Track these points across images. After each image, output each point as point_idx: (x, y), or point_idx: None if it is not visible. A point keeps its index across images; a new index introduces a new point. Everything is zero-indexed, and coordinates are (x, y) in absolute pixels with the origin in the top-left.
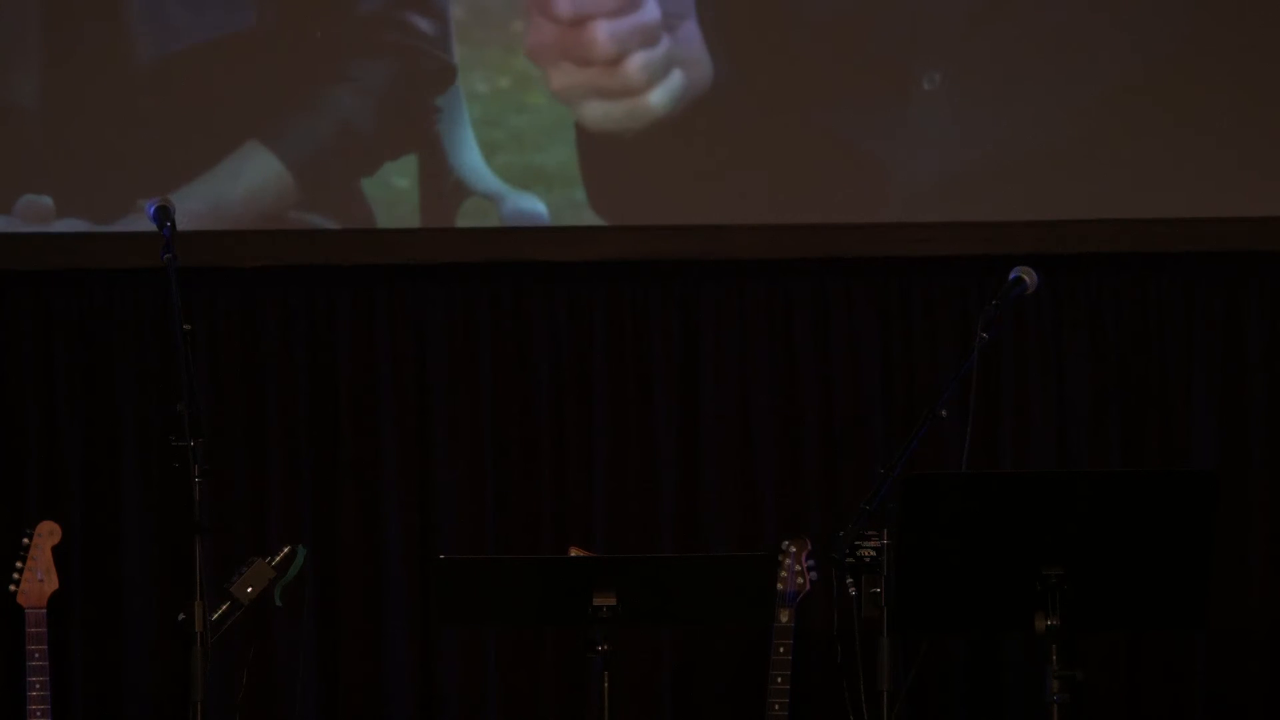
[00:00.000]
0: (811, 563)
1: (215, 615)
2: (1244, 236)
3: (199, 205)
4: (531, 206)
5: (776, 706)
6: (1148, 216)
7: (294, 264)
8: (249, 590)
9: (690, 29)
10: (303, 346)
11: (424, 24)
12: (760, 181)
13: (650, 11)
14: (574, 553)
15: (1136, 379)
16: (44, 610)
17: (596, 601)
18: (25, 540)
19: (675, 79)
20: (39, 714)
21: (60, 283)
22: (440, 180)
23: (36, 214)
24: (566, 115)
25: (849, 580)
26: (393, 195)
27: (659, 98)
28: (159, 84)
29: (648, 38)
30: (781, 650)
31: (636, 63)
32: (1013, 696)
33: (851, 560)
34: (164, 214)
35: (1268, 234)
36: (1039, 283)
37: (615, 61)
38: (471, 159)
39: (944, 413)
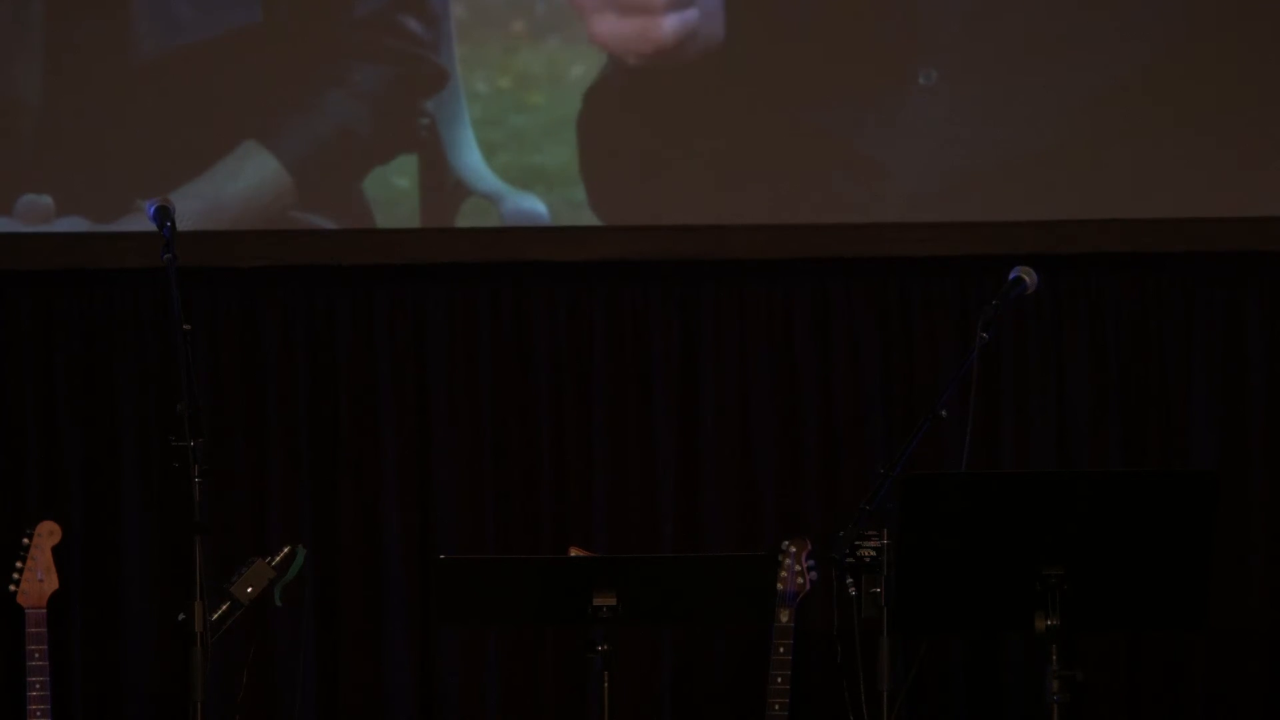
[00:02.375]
0: (811, 563)
1: (215, 615)
2: (1244, 236)
3: (198, 205)
4: (531, 206)
5: (776, 706)
6: (1148, 216)
7: (294, 264)
8: (249, 590)
9: None
10: (303, 346)
11: (424, 25)
12: (760, 181)
13: None
14: (574, 553)
15: (1136, 379)
16: (44, 610)
17: (596, 601)
18: (25, 540)
19: (692, 15)
20: (39, 714)
21: (60, 283)
22: (440, 180)
23: (36, 214)
24: (567, 115)
25: (849, 580)
26: (393, 195)
27: (671, 24)
28: (158, 83)
29: None
30: (781, 650)
31: None
32: (1013, 696)
33: (851, 560)
34: (164, 214)
35: (1268, 234)
36: (1039, 283)
37: None
38: (471, 159)
39: (944, 413)
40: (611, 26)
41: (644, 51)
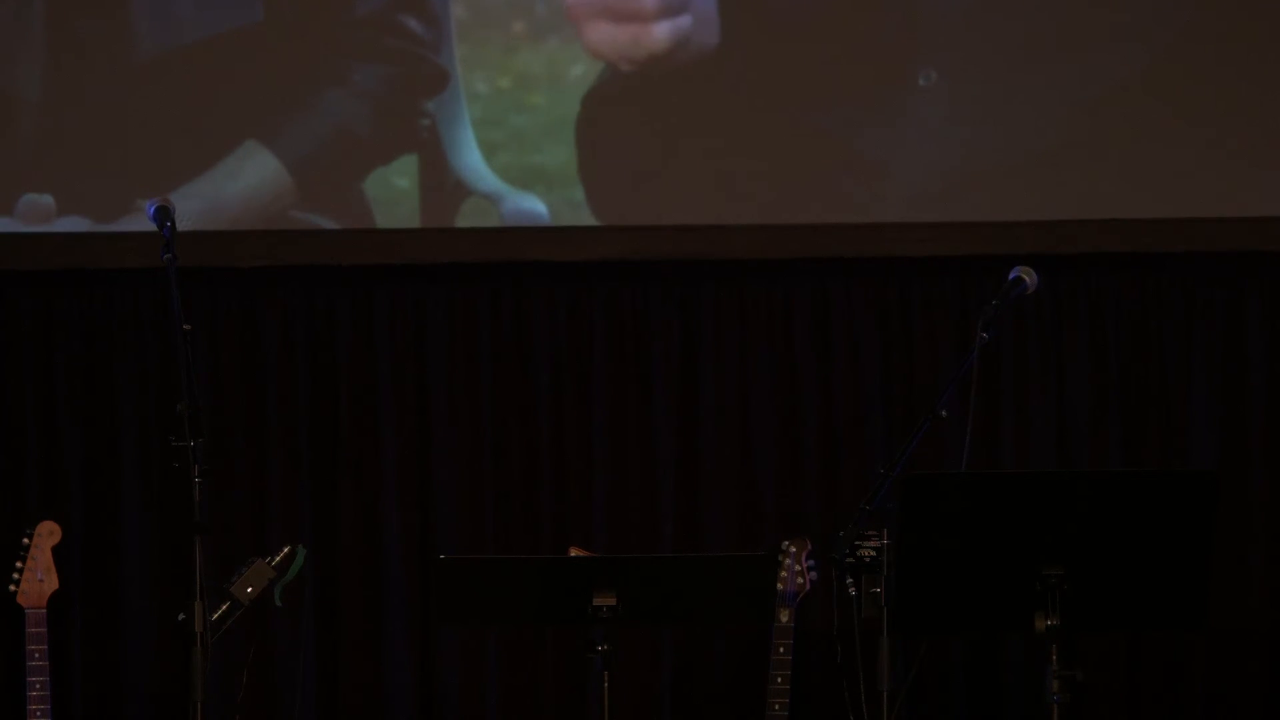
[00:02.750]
0: (811, 563)
1: (215, 615)
2: (1244, 236)
3: (198, 205)
4: (531, 206)
5: (776, 706)
6: (1148, 216)
7: (294, 264)
8: (249, 590)
9: None
10: (303, 346)
11: (424, 25)
12: (760, 181)
13: None
14: (574, 553)
15: (1136, 379)
16: (44, 610)
17: (596, 601)
18: (25, 540)
19: (684, 21)
20: (39, 714)
21: (60, 283)
22: (440, 180)
23: (37, 214)
24: (567, 115)
25: (849, 580)
26: (393, 195)
27: (664, 31)
28: (158, 83)
29: None
30: (781, 650)
31: None
32: (1013, 696)
33: (851, 560)
34: (164, 214)
35: (1268, 234)
36: (1039, 283)
37: None
38: (471, 159)
39: (944, 413)
40: (605, 34)
41: (638, 58)
